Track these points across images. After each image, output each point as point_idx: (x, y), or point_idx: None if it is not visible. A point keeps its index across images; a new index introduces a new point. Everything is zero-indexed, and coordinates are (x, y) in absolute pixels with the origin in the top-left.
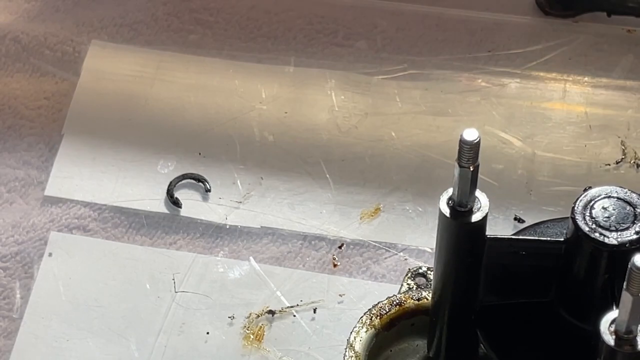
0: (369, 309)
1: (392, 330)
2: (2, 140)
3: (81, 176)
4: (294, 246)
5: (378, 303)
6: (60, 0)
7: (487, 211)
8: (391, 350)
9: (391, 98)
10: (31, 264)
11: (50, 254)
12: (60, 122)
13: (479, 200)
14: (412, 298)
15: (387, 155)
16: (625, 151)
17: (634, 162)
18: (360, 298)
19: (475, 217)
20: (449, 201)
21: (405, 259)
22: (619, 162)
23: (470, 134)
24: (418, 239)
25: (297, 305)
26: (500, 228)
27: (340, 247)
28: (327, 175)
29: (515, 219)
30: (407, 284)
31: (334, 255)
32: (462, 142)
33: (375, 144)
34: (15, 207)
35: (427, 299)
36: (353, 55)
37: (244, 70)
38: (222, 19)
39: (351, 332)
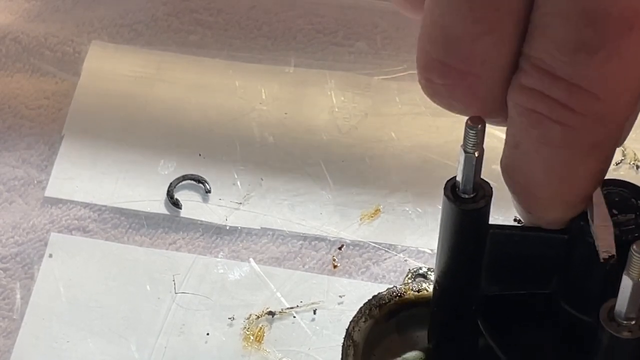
0: (369, 300)
1: (391, 321)
2: (2, 140)
3: (81, 177)
4: (294, 247)
5: (378, 294)
6: (60, 0)
7: (491, 198)
8: (391, 341)
9: (391, 99)
10: (31, 265)
11: (50, 255)
12: (60, 122)
13: (482, 187)
14: (412, 289)
15: (387, 156)
16: (625, 152)
17: (634, 164)
18: (360, 299)
19: (479, 204)
20: (453, 187)
21: (405, 260)
22: (619, 163)
23: (476, 120)
24: (418, 240)
25: (297, 306)
26: None
27: (340, 248)
28: (327, 176)
29: (515, 220)
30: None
31: (333, 256)
32: (468, 127)
33: (375, 145)
34: (15, 207)
35: (427, 291)
36: (353, 55)
37: (244, 70)
38: (222, 19)
39: (350, 322)
